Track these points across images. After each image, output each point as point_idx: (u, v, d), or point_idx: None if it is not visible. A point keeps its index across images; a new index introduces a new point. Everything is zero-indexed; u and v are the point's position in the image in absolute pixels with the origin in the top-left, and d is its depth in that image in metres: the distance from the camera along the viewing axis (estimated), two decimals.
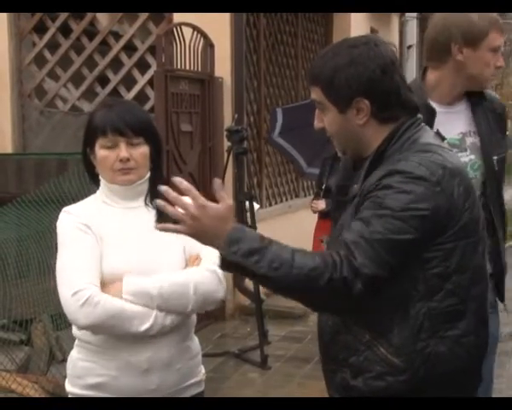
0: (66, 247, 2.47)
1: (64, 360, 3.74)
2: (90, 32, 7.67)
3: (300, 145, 6.91)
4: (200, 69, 7.16)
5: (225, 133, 6.61)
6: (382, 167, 2.12)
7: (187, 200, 2.03)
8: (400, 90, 2.16)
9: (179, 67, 6.85)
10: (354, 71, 2.11)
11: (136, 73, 7.44)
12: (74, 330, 2.53)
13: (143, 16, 7.33)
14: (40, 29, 7.76)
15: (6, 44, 7.69)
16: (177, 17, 7.13)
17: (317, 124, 2.25)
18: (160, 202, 2.04)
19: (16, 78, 7.78)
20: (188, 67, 6.98)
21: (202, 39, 7.12)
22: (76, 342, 2.57)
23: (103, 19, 7.64)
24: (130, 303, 2.39)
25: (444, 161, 2.10)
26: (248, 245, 1.99)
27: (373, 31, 11.28)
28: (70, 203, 2.61)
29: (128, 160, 2.47)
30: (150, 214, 2.53)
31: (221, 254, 2.02)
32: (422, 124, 2.23)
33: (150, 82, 7.18)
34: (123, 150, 2.46)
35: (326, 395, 2.33)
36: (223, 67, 7.29)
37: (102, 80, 7.65)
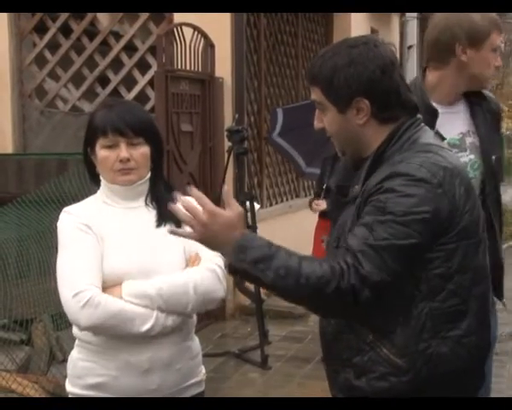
0: (66, 247, 2.47)
1: (64, 360, 3.74)
2: (91, 33, 7.67)
3: (300, 145, 6.90)
4: (200, 69, 7.16)
5: (226, 133, 6.61)
6: (383, 168, 2.12)
7: (198, 207, 2.06)
8: (400, 90, 2.16)
9: (180, 67, 6.85)
10: (354, 71, 2.12)
11: (136, 73, 7.44)
12: (75, 331, 2.53)
13: (144, 16, 7.33)
14: (40, 29, 7.76)
15: (6, 44, 7.70)
16: (178, 17, 7.13)
17: (316, 124, 2.25)
18: (173, 206, 2.08)
19: (17, 78, 7.78)
20: (188, 68, 6.98)
21: (203, 39, 7.12)
22: (76, 342, 2.57)
23: (104, 19, 7.64)
24: (132, 304, 2.40)
25: (444, 162, 2.10)
26: (256, 253, 2.01)
27: (373, 31, 11.28)
28: (70, 203, 2.61)
29: (128, 160, 2.47)
30: (151, 214, 2.54)
31: (229, 261, 2.04)
32: (422, 124, 2.23)
33: (151, 82, 7.18)
34: (123, 150, 2.46)
35: (326, 395, 2.33)
36: (223, 68, 7.29)
37: (103, 80, 7.65)
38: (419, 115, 2.24)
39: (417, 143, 2.15)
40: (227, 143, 6.70)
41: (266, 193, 8.82)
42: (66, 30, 7.68)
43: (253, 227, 6.29)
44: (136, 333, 2.40)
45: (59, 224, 2.52)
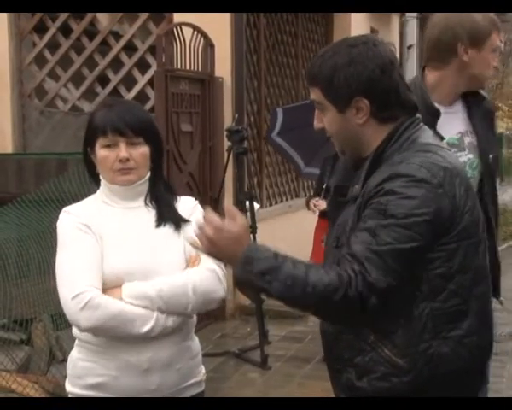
0: (65, 247, 2.47)
1: (64, 360, 3.74)
2: (91, 32, 7.68)
3: (299, 145, 6.91)
4: (200, 69, 7.16)
5: (225, 133, 6.61)
6: (383, 168, 2.12)
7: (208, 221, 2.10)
8: (399, 90, 2.16)
9: (179, 67, 6.85)
10: (353, 70, 2.11)
11: (136, 73, 7.45)
12: (74, 331, 2.53)
13: (143, 16, 7.34)
14: (40, 29, 7.76)
15: (6, 44, 7.70)
16: (178, 17, 7.13)
17: (316, 124, 2.25)
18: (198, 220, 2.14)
19: (16, 78, 7.78)
20: (188, 67, 6.98)
21: (202, 39, 7.12)
22: (76, 342, 2.57)
23: (103, 19, 7.65)
24: (132, 305, 2.39)
25: (444, 162, 2.10)
26: (262, 264, 2.02)
27: (373, 31, 11.28)
28: (70, 203, 2.61)
29: (128, 160, 2.47)
30: (150, 214, 2.54)
31: (235, 273, 2.06)
32: (421, 124, 2.23)
33: (150, 82, 7.19)
34: (122, 150, 2.46)
35: (327, 395, 2.33)
36: (223, 67, 7.30)
37: (103, 80, 7.65)
38: (418, 115, 2.24)
39: (416, 143, 2.15)
40: (227, 143, 6.70)
41: (266, 193, 8.82)
42: (65, 30, 7.69)
43: (252, 227, 6.29)
44: (136, 334, 2.40)
45: (58, 223, 2.52)
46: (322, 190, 6.31)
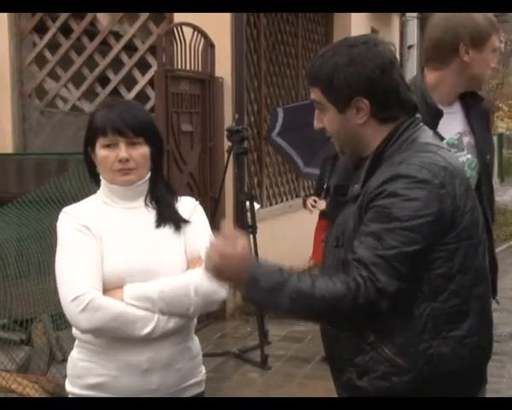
0: (65, 248, 2.47)
1: (64, 360, 3.75)
2: (91, 32, 7.68)
3: (299, 145, 6.91)
4: (200, 69, 7.16)
5: (226, 133, 6.61)
6: (382, 168, 2.12)
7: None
8: (400, 90, 2.16)
9: (180, 67, 6.85)
10: (353, 70, 2.11)
11: (136, 73, 7.45)
12: (74, 331, 2.53)
13: (144, 16, 7.34)
14: (40, 29, 7.76)
15: (6, 44, 7.70)
16: (178, 17, 7.13)
17: (316, 124, 2.25)
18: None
19: (17, 78, 7.78)
20: (188, 67, 6.98)
21: (203, 39, 7.12)
22: (76, 342, 2.57)
23: (104, 19, 7.65)
24: (133, 307, 2.40)
25: (444, 162, 2.11)
26: (268, 283, 2.04)
27: (373, 31, 11.28)
28: (70, 203, 2.60)
29: (127, 160, 2.46)
30: (150, 214, 2.54)
31: (243, 294, 2.09)
32: (421, 124, 2.23)
33: (151, 82, 7.19)
34: (122, 150, 2.46)
35: (327, 395, 2.33)
36: (223, 67, 7.30)
37: (103, 80, 7.65)
38: (418, 115, 2.24)
39: (416, 143, 2.16)
40: (227, 143, 6.70)
41: (266, 193, 8.82)
42: (66, 30, 7.69)
43: (252, 227, 6.29)
44: (136, 336, 2.40)
45: (58, 224, 2.51)
46: (323, 190, 6.31)
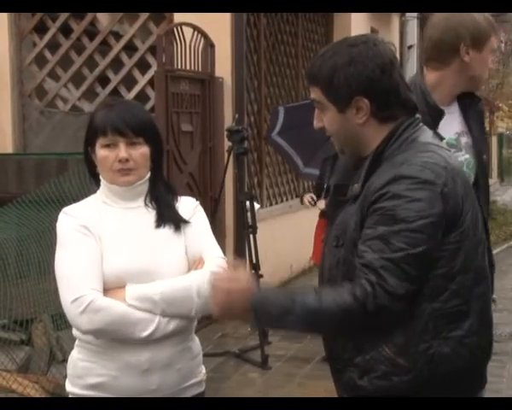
0: (65, 249, 2.46)
1: (64, 360, 3.75)
2: (91, 32, 7.68)
3: (299, 145, 6.91)
4: (200, 69, 7.16)
5: (226, 133, 6.62)
6: (383, 168, 2.12)
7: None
8: (400, 90, 2.16)
9: (180, 67, 6.85)
10: (354, 70, 2.11)
11: (136, 73, 7.45)
12: (75, 331, 2.52)
13: (144, 16, 7.34)
14: (41, 29, 7.77)
15: (6, 44, 7.70)
16: (178, 17, 7.13)
17: (316, 123, 2.25)
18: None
19: (17, 78, 7.79)
20: (188, 67, 6.98)
21: (203, 39, 7.12)
22: (76, 342, 2.56)
23: (104, 19, 7.65)
24: (133, 309, 2.39)
25: (444, 162, 2.11)
26: (275, 309, 2.07)
27: (373, 31, 11.28)
28: (70, 203, 2.60)
29: (127, 160, 2.46)
30: (150, 214, 2.53)
31: (253, 324, 2.15)
32: (421, 124, 2.23)
33: (151, 82, 7.19)
34: (122, 150, 2.46)
35: (327, 395, 2.33)
36: (223, 67, 7.30)
37: (103, 80, 7.65)
38: (418, 115, 2.24)
39: (416, 143, 2.16)
40: (227, 143, 6.70)
41: (266, 193, 8.82)
42: (66, 30, 7.69)
43: (253, 227, 6.30)
44: (137, 338, 2.40)
45: (57, 224, 2.51)
46: (322, 189, 6.31)
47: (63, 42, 7.69)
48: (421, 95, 2.88)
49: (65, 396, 2.63)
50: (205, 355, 2.75)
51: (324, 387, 2.33)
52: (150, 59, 7.34)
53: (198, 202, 2.64)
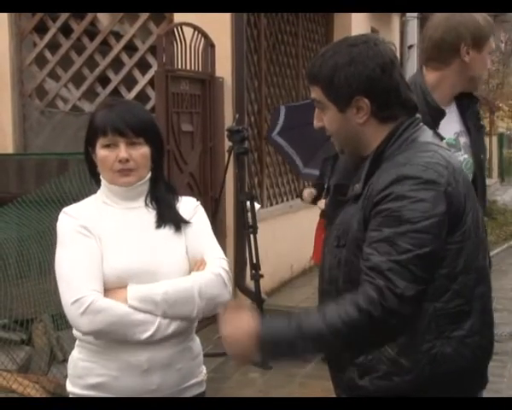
0: (65, 249, 2.46)
1: (65, 360, 3.75)
2: (91, 32, 7.68)
3: (299, 144, 6.90)
4: (200, 69, 7.16)
5: (226, 133, 6.61)
6: (383, 168, 2.12)
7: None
8: (400, 89, 2.16)
9: (180, 67, 6.85)
10: (354, 70, 2.11)
11: (136, 73, 7.45)
12: (75, 331, 2.52)
13: (144, 16, 7.34)
14: (41, 29, 7.76)
15: (7, 44, 7.70)
16: (178, 17, 7.13)
17: (316, 123, 2.25)
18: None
19: (17, 78, 7.78)
20: (188, 67, 6.98)
21: (203, 39, 7.12)
22: (77, 342, 2.57)
23: (104, 19, 7.65)
24: (134, 310, 2.39)
25: (445, 162, 2.11)
26: (282, 342, 2.07)
27: (373, 31, 11.28)
28: (71, 203, 2.60)
29: (127, 160, 2.46)
30: (150, 215, 2.53)
31: (263, 359, 2.16)
32: (421, 123, 2.23)
33: (151, 82, 7.18)
34: (122, 151, 2.45)
35: (327, 395, 2.33)
36: (223, 67, 7.29)
37: (103, 80, 7.65)
38: (418, 115, 2.24)
39: (417, 142, 2.16)
40: (227, 143, 6.70)
41: (267, 193, 8.82)
42: (66, 30, 7.69)
43: (253, 227, 6.29)
44: (137, 340, 2.40)
45: (58, 225, 2.51)
46: (323, 190, 6.31)
47: (63, 42, 7.69)
48: (421, 94, 2.88)
49: (65, 396, 2.63)
50: (205, 355, 2.75)
51: (325, 387, 2.33)
52: (150, 59, 7.33)
53: (199, 202, 2.64)
